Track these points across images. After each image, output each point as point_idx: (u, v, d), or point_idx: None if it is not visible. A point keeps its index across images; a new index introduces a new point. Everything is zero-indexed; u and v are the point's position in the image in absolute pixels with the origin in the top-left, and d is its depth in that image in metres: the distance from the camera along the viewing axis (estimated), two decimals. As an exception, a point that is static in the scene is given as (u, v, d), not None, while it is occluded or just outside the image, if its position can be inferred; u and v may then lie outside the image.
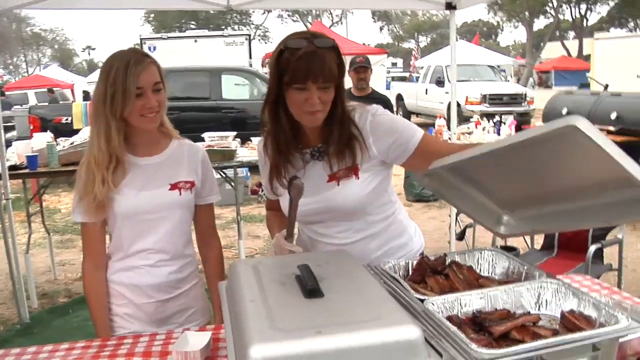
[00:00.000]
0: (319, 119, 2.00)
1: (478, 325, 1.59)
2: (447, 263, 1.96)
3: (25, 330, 4.85)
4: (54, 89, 23.78)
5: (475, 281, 1.84)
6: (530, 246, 4.93)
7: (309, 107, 1.92)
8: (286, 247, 2.04)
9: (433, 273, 1.89)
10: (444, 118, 7.95)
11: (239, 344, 1.38)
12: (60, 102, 18.10)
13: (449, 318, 1.58)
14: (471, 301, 1.69)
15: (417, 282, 1.90)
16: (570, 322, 1.56)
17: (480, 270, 2.02)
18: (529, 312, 1.63)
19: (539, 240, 4.87)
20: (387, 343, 1.29)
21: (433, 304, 1.64)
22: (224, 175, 5.61)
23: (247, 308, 1.47)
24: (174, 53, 14.91)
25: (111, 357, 1.99)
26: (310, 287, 1.52)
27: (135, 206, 2.21)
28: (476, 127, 7.37)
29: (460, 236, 5.38)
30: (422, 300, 1.65)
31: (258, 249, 6.98)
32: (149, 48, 14.96)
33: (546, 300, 1.73)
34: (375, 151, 2.12)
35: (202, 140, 5.59)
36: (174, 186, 2.28)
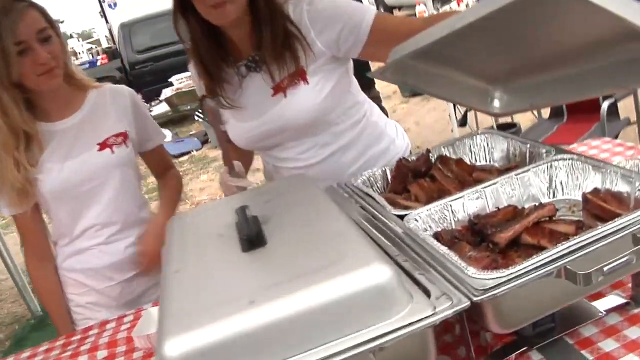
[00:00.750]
0: (228, 13, 1.55)
1: (478, 235, 1.19)
2: (433, 161, 1.55)
3: (40, 324, 4.63)
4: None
5: (469, 176, 1.43)
6: (538, 116, 4.48)
7: None
8: (230, 182, 1.65)
9: (415, 177, 1.49)
10: (424, 4, 7.32)
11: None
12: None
13: (437, 235, 1.18)
14: (465, 205, 1.29)
15: (398, 192, 1.50)
16: (597, 206, 1.16)
17: (475, 159, 1.61)
18: (541, 204, 1.22)
19: (548, 109, 4.42)
20: (343, 298, 0.90)
21: (417, 219, 1.24)
22: (200, 116, 5.17)
23: (168, 284, 1.09)
24: (137, 4, 14.05)
25: (73, 357, 1.65)
26: (246, 235, 1.13)
27: (63, 181, 1.82)
28: (459, 6, 6.78)
29: (462, 122, 4.94)
30: (402, 217, 1.25)
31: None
32: (109, 5, 14.10)
33: (561, 183, 1.33)
34: (322, 46, 1.67)
35: (171, 84, 5.12)
36: (103, 145, 1.87)
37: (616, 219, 1.01)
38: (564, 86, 1.18)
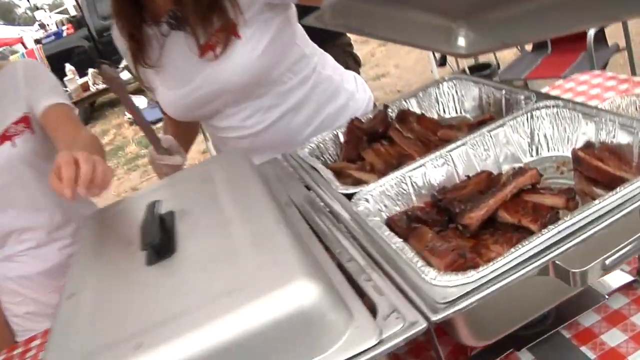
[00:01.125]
0: None
1: (445, 214, 0.94)
2: (393, 118, 1.29)
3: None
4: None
5: (434, 135, 1.17)
6: (520, 49, 4.17)
7: None
8: (158, 161, 1.39)
9: (372, 140, 1.23)
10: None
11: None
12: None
13: (390, 222, 0.93)
14: (427, 174, 1.03)
15: (353, 160, 1.24)
16: (592, 166, 0.90)
17: (444, 112, 1.34)
18: (521, 168, 0.96)
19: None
20: (254, 333, 0.66)
21: (367, 199, 0.99)
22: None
23: (59, 313, 0.85)
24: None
25: (14, 373, 1.43)
26: (150, 244, 0.88)
27: None
28: None
29: (442, 61, 4.62)
30: (351, 197, 1.00)
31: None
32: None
33: (545, 137, 1.07)
34: None
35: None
36: (2, 138, 1.55)
37: (618, 189, 0.76)
38: (541, 19, 0.90)
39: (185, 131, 1.69)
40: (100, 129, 8.43)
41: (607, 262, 0.69)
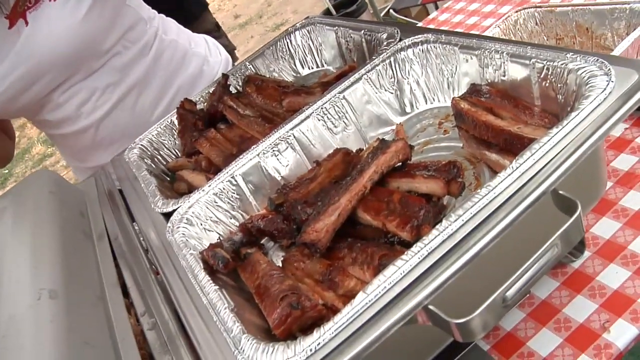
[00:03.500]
0: None
1: (292, 221, 0.64)
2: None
3: None
4: None
5: (278, 104, 0.86)
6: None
7: None
8: None
9: (210, 125, 0.91)
10: None
11: None
12: None
13: (203, 259, 0.62)
14: (267, 166, 0.73)
15: (193, 153, 0.92)
16: (479, 122, 0.61)
17: (302, 67, 1.03)
18: (383, 141, 0.66)
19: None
20: None
21: (188, 218, 0.68)
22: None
23: None
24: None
25: None
26: None
27: None
28: None
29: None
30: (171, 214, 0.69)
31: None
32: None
33: (418, 85, 0.77)
34: None
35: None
36: None
37: (515, 161, 0.47)
38: None
39: None
40: None
41: (508, 293, 0.41)
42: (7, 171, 5.50)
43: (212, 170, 0.83)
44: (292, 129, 0.73)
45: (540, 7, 0.88)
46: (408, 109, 0.78)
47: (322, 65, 1.02)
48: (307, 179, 0.67)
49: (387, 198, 0.58)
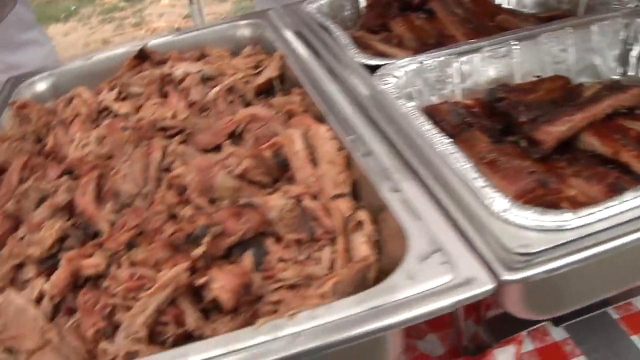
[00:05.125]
0: None
1: (500, 121, 0.65)
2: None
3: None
4: None
5: (489, 20, 0.85)
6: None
7: None
8: None
9: (404, 9, 0.90)
10: None
11: None
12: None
13: (432, 111, 0.63)
14: (481, 63, 0.72)
15: (374, 30, 0.92)
16: None
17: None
18: (619, 83, 0.66)
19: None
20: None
21: (396, 76, 0.68)
22: None
23: None
24: None
25: None
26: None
27: None
28: None
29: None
30: (375, 69, 0.69)
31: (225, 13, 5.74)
32: None
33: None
34: None
35: None
36: None
37: None
38: None
39: None
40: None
41: None
42: (74, 8, 5.38)
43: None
44: (515, 39, 0.73)
45: None
46: (622, 72, 0.77)
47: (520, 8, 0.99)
48: (528, 87, 0.67)
49: (621, 130, 0.58)
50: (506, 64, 0.73)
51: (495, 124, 0.66)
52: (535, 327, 0.63)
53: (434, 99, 0.71)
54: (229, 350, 0.38)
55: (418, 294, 0.39)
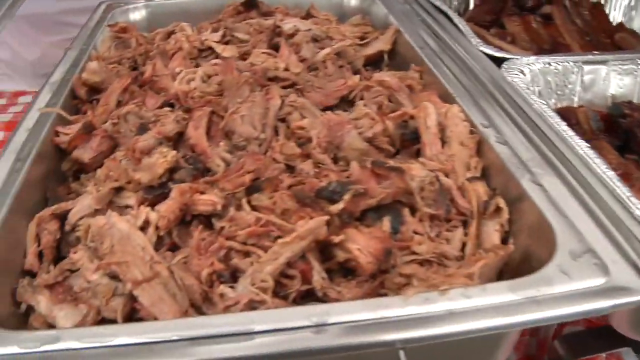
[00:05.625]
0: None
1: (618, 136, 0.63)
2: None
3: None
4: None
5: (606, 37, 0.83)
6: None
7: None
8: None
9: (521, 9, 0.88)
10: None
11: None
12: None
13: (567, 112, 0.61)
14: (605, 76, 0.70)
15: (483, 24, 0.89)
16: None
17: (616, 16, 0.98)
18: None
19: None
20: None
21: (523, 71, 0.66)
22: None
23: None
24: None
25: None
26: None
27: None
28: None
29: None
30: (497, 61, 0.67)
31: None
32: None
33: None
34: None
35: None
36: None
37: None
38: None
39: None
40: None
41: None
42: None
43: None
44: (633, 58, 0.71)
45: None
46: None
47: None
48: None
49: None
50: (631, 82, 0.71)
51: (613, 139, 0.64)
52: (614, 350, 0.61)
53: (551, 102, 0.69)
54: (378, 316, 0.36)
55: (574, 290, 0.38)
